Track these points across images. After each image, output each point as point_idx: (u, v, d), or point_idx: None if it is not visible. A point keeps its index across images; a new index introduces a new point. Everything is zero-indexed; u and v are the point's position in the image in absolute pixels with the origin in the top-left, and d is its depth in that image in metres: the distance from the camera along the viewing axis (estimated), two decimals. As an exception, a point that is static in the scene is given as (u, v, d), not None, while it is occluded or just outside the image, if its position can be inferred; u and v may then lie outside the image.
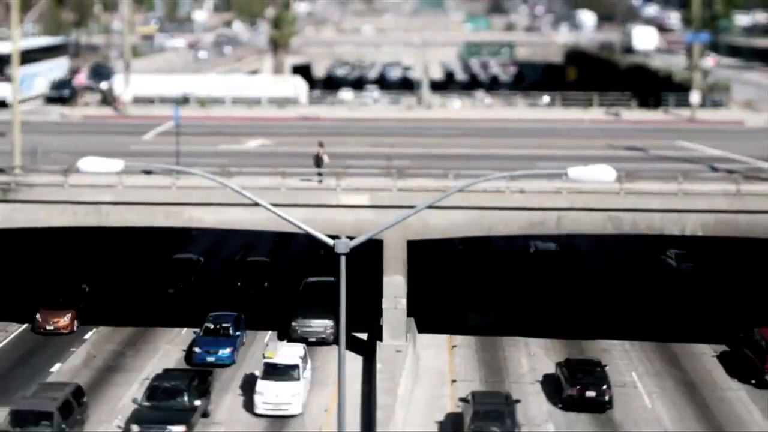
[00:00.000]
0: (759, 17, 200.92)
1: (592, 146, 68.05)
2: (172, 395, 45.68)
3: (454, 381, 52.06)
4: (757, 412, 48.66)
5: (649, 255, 70.66)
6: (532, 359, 55.09)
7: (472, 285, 65.14)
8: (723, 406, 49.46)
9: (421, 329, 57.13)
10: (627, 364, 54.42)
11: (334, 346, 53.89)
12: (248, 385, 49.38)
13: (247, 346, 55.44)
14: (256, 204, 31.50)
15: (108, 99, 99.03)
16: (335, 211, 53.67)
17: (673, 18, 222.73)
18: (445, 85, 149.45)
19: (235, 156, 67.92)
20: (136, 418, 45.12)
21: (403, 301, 54.14)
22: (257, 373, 49.15)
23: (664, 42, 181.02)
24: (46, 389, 46.18)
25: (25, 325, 58.64)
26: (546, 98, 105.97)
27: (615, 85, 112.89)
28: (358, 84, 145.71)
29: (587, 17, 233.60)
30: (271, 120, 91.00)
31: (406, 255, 54.33)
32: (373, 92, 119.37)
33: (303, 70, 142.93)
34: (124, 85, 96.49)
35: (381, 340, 53.77)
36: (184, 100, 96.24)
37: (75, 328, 57.46)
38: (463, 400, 47.13)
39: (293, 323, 56.12)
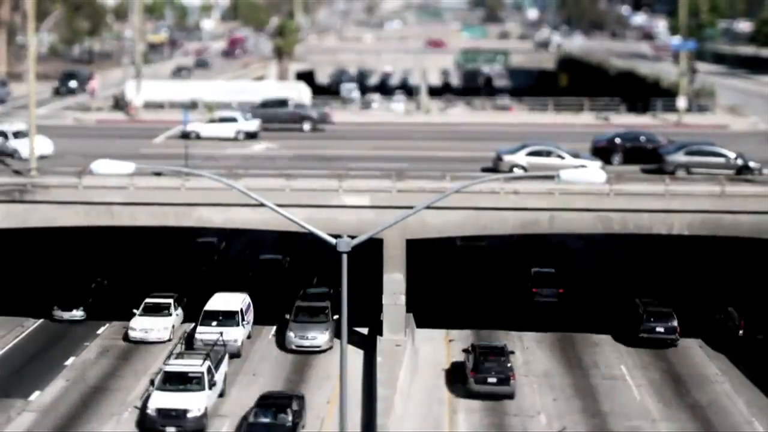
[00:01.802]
0: (743, 26, 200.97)
1: (583, 150, 68.00)
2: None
3: (451, 341, 52.10)
4: (741, 404, 48.71)
5: None
6: (525, 352, 55.15)
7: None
8: (709, 397, 49.52)
9: (420, 324, 57.18)
10: (616, 357, 54.55)
11: (338, 341, 53.96)
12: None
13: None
14: (262, 204, 31.50)
15: (120, 104, 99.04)
16: (337, 211, 53.68)
17: (661, 26, 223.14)
18: (442, 91, 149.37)
19: (241, 158, 67.89)
20: None
21: (403, 298, 54.17)
22: None
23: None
24: None
25: (41, 320, 58.72)
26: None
27: (605, 91, 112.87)
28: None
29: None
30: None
31: (405, 253, 54.42)
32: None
33: (306, 77, 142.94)
34: (136, 91, 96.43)
35: (381, 334, 53.80)
36: (192, 105, 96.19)
37: None
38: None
39: None
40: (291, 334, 54.40)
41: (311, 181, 55.70)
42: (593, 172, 29.52)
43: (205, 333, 52.84)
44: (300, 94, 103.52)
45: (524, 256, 71.01)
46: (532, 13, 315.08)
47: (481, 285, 65.39)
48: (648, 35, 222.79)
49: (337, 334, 53.44)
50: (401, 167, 59.81)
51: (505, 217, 54.11)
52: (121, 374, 51.49)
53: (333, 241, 29.69)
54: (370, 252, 51.55)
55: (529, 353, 55.05)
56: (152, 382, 47.96)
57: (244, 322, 54.70)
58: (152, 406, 44.47)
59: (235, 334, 53.28)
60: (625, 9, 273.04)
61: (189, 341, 54.05)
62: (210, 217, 54.94)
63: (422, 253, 61.27)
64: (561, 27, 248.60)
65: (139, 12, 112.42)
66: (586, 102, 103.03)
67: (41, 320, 58.74)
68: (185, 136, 75.37)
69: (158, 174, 55.64)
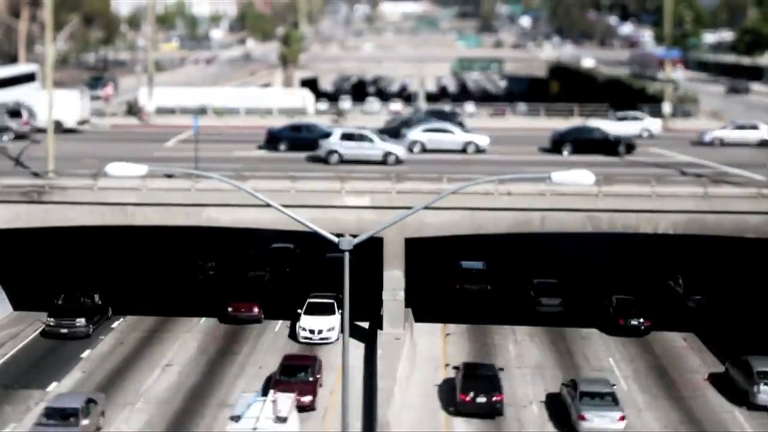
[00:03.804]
0: (725, 35, 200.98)
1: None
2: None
3: (447, 366, 52.06)
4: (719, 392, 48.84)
5: None
6: (518, 345, 55.15)
7: None
8: (689, 387, 49.56)
9: (418, 318, 57.16)
10: (604, 350, 54.55)
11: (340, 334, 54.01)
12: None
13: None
14: (268, 205, 31.47)
15: (133, 110, 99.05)
16: (340, 212, 53.67)
17: (647, 36, 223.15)
18: (439, 97, 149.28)
19: (248, 161, 67.80)
20: None
21: (402, 293, 54.16)
22: None
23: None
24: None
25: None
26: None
27: (594, 97, 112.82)
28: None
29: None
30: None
31: (404, 251, 54.41)
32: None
33: (310, 84, 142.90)
34: (148, 97, 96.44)
35: (381, 328, 53.79)
36: (202, 111, 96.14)
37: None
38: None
39: None
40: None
41: (315, 183, 55.69)
42: (583, 174, 29.47)
43: None
44: (304, 100, 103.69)
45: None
46: (525, 22, 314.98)
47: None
48: (634, 44, 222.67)
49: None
50: (400, 169, 59.76)
51: (499, 217, 54.12)
52: (135, 366, 51.55)
53: (336, 239, 29.67)
54: (371, 250, 51.51)
55: (522, 346, 55.06)
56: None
57: None
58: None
59: None
60: (612, 19, 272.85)
61: None
62: (218, 217, 54.94)
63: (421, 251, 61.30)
64: (552, 36, 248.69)
65: (152, 22, 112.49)
66: (575, 108, 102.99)
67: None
68: None
69: (170, 176, 55.64)
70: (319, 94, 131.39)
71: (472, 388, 45.01)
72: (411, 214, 31.66)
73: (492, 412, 44.87)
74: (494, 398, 44.77)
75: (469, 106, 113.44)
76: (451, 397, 46.67)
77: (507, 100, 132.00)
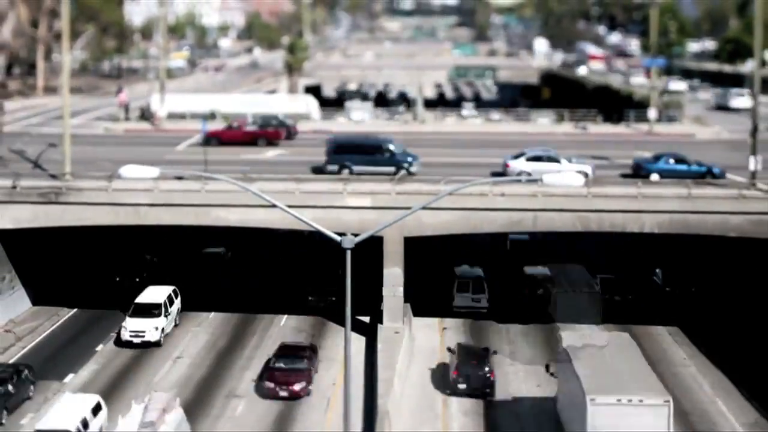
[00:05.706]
0: (708, 44, 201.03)
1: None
2: None
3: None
4: (706, 385, 48.77)
5: None
6: (511, 344, 55.06)
7: None
8: (676, 379, 49.56)
9: (416, 313, 57.16)
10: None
11: (343, 329, 53.99)
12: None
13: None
14: (274, 205, 31.48)
15: (146, 115, 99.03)
16: (342, 212, 53.69)
17: (633, 45, 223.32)
18: (436, 103, 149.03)
19: (255, 164, 67.86)
20: None
21: (401, 289, 54.18)
22: None
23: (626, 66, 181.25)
24: None
25: (75, 310, 58.81)
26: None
27: (583, 103, 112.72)
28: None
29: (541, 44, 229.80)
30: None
31: (403, 249, 54.43)
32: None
33: (314, 90, 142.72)
34: (160, 103, 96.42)
35: (381, 323, 53.82)
36: (211, 116, 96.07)
37: None
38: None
39: None
40: None
41: (318, 184, 55.74)
42: (572, 176, 29.48)
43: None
44: (308, 106, 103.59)
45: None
46: (518, 31, 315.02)
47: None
48: (622, 53, 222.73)
49: (340, 320, 53.46)
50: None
51: (494, 216, 54.14)
52: (147, 358, 51.56)
53: (338, 238, 29.67)
54: (371, 248, 51.53)
55: (515, 344, 54.98)
56: None
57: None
58: None
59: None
60: (601, 29, 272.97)
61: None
62: (227, 217, 54.97)
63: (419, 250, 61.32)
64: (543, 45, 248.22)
65: (164, 32, 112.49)
66: (566, 113, 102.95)
67: (75, 310, 58.87)
68: None
69: (180, 178, 55.67)
70: (323, 100, 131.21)
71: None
72: (410, 214, 31.68)
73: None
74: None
75: (467, 109, 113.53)
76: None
77: (499, 106, 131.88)
